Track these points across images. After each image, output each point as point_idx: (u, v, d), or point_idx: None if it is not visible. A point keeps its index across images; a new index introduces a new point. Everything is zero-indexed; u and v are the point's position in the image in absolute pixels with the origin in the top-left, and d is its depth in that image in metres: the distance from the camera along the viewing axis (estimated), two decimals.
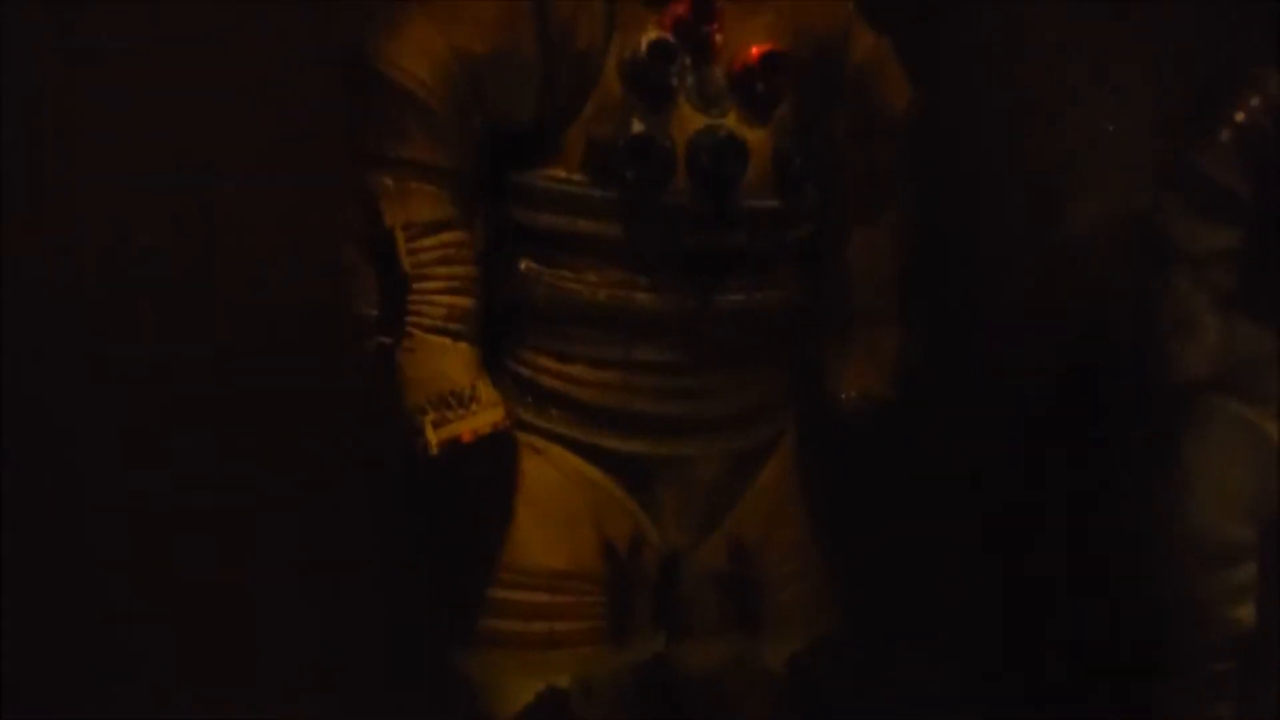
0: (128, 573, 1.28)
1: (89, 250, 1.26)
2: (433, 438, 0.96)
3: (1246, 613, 1.30)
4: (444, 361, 0.96)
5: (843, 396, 1.12)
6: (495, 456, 0.99)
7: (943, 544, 1.38)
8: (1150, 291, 1.37)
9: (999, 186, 1.45)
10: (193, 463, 1.28)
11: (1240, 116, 1.35)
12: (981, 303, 1.42)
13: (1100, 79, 1.50)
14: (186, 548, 1.28)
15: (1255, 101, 1.35)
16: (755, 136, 0.99)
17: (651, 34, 0.96)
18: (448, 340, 0.97)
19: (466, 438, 0.96)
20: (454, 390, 0.96)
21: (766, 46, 0.98)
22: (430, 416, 0.96)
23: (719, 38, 0.98)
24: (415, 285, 0.96)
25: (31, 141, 1.24)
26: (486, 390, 0.98)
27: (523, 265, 1.00)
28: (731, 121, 0.98)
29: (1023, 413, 1.42)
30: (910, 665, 1.35)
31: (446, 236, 0.97)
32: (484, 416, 0.97)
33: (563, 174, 0.98)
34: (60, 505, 1.27)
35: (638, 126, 0.96)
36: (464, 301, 0.97)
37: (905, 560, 1.36)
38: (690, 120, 0.97)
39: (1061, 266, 1.46)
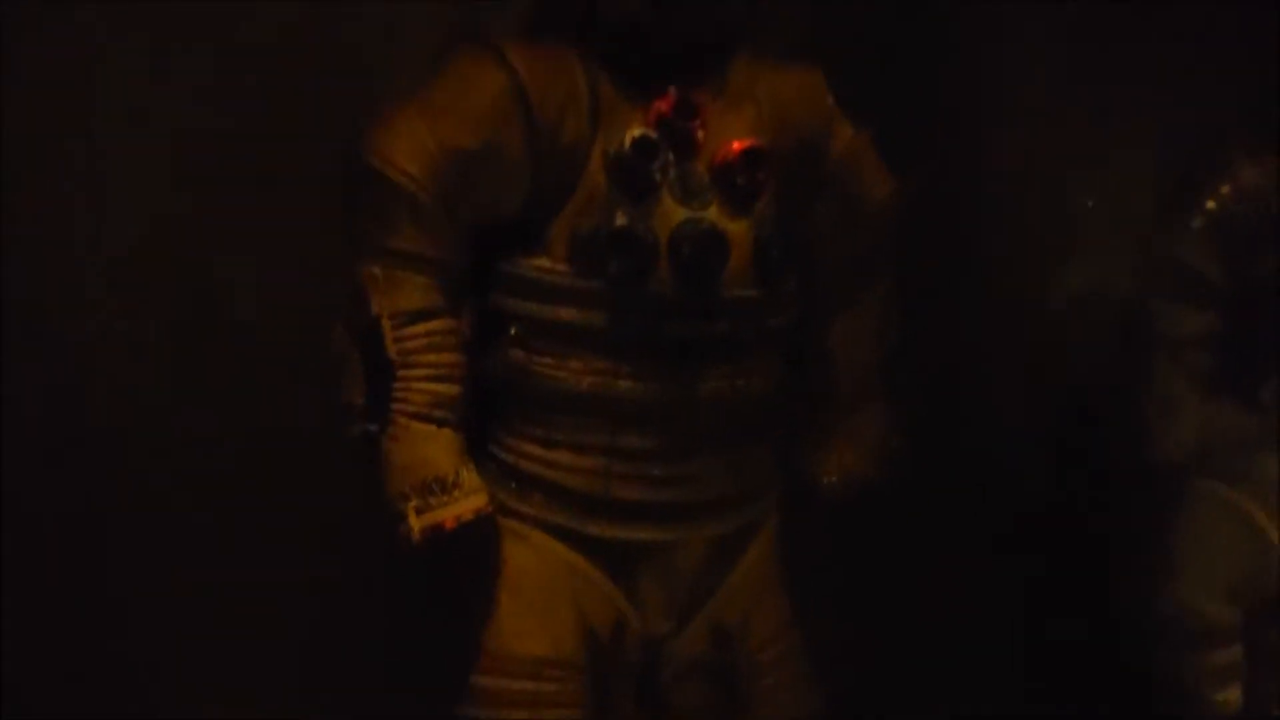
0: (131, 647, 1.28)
1: (90, 324, 1.28)
2: (415, 524, 0.96)
3: (1233, 696, 1.30)
4: (428, 448, 0.98)
5: (825, 480, 1.13)
6: (478, 542, 1.00)
7: (927, 627, 1.38)
8: (1131, 374, 1.39)
9: (981, 267, 1.48)
10: (183, 541, 1.28)
11: (1212, 204, 1.38)
12: (964, 384, 1.44)
13: (1083, 161, 1.54)
14: (172, 630, 1.28)
15: (1226, 189, 1.38)
16: (736, 228, 1.01)
17: (635, 130, 0.98)
18: (432, 427, 0.98)
19: (449, 524, 0.97)
20: (437, 477, 0.97)
21: (747, 142, 1.01)
22: (413, 503, 0.97)
23: (701, 133, 1.01)
24: (400, 373, 0.98)
25: (29, 212, 1.26)
26: (470, 476, 0.99)
27: (507, 352, 1.02)
28: (713, 214, 1.00)
29: (1006, 494, 1.43)
30: None
31: (432, 325, 0.99)
32: (467, 503, 0.98)
33: (548, 264, 1.00)
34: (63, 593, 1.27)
35: (621, 219, 0.98)
36: (449, 389, 0.99)
37: (889, 643, 1.36)
38: (673, 213, 0.99)
39: (1044, 348, 1.48)
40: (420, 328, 0.98)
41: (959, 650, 1.38)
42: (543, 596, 1.02)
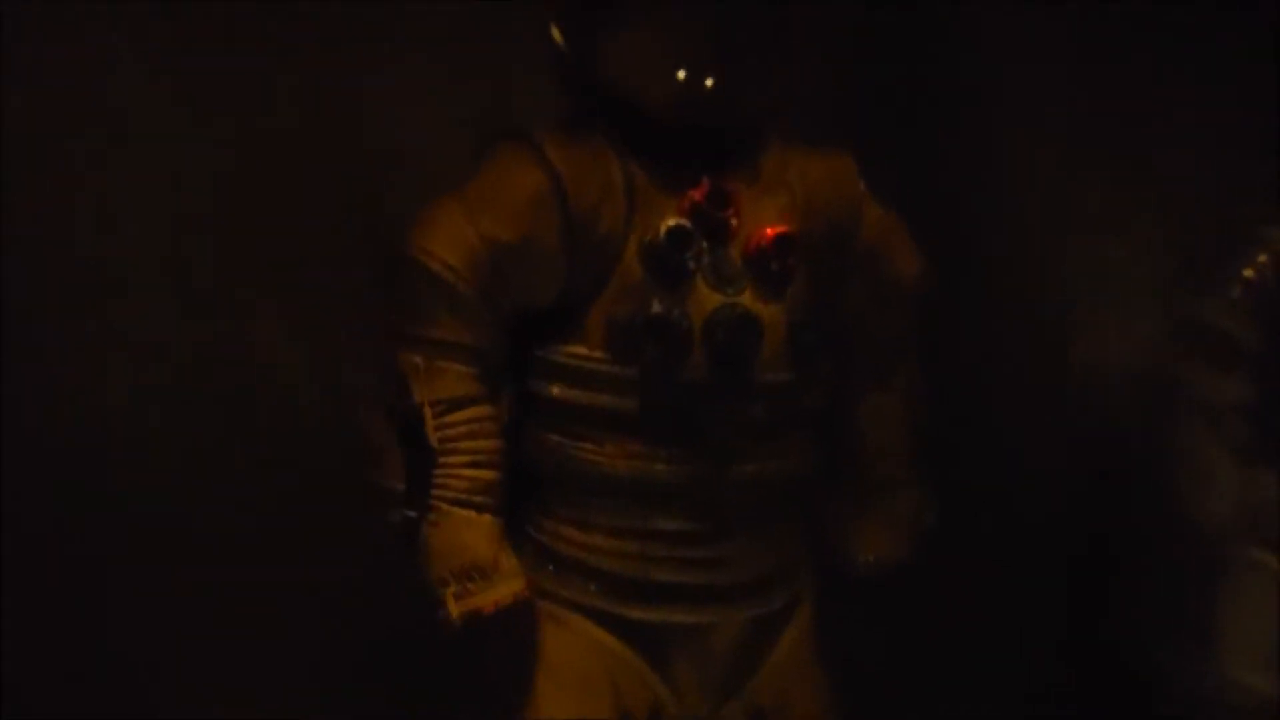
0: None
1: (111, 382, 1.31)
2: (454, 609, 0.98)
3: None
4: (467, 534, 0.99)
5: (860, 560, 1.13)
6: (516, 627, 1.01)
7: (968, 702, 1.37)
8: (1167, 443, 1.38)
9: (1009, 338, 1.48)
10: (203, 621, 1.30)
11: (1250, 273, 1.38)
12: (995, 455, 1.44)
13: (1107, 232, 1.55)
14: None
15: (1264, 259, 1.38)
16: (770, 313, 1.03)
17: (670, 220, 1.00)
18: (472, 513, 1.00)
19: (488, 610, 0.98)
20: (476, 563, 0.99)
21: (780, 228, 1.03)
22: (452, 589, 0.98)
23: (734, 221, 1.03)
24: (441, 460, 0.99)
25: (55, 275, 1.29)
26: (508, 561, 1.00)
27: (545, 437, 1.04)
28: (747, 299, 1.02)
29: (1043, 567, 1.42)
30: None
31: (472, 412, 1.00)
32: (505, 588, 0.99)
33: (584, 351, 1.02)
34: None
35: (656, 307, 1.00)
36: (488, 474, 1.01)
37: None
38: (707, 299, 1.01)
39: (1077, 418, 1.48)
40: (460, 415, 1.00)
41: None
42: (580, 680, 1.02)
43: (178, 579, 1.29)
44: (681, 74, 1.00)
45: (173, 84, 1.31)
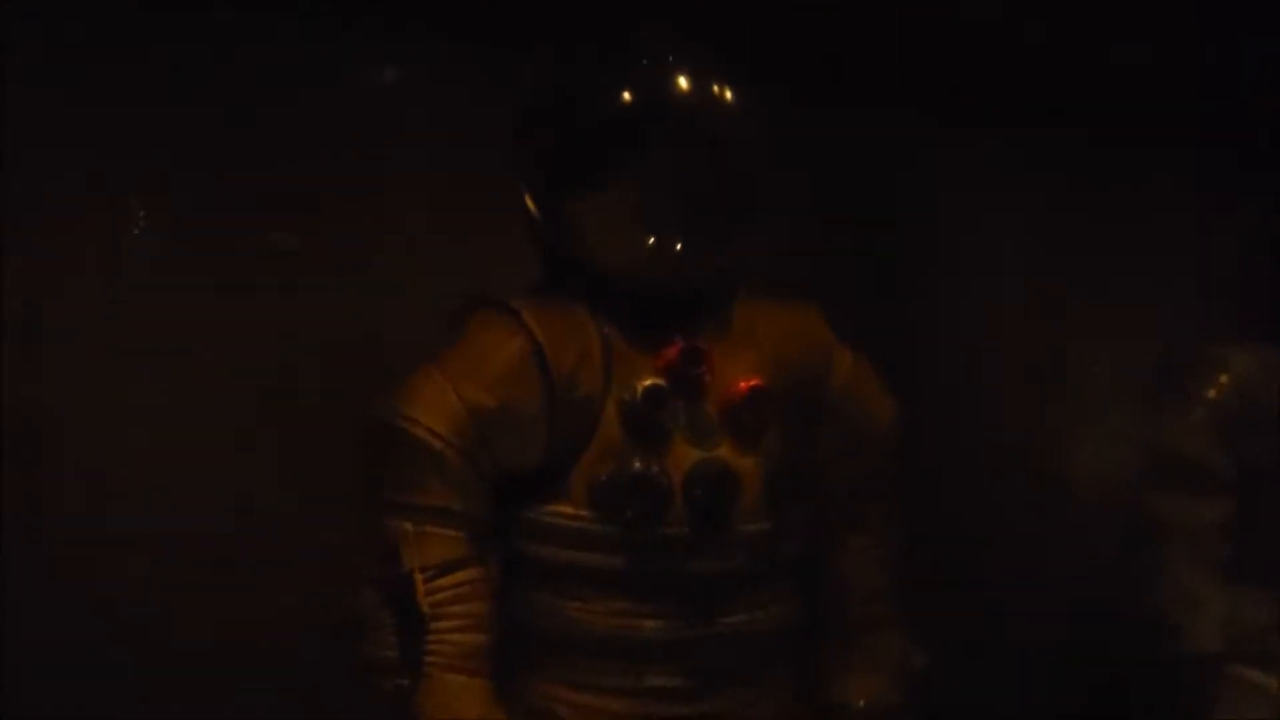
0: None
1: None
2: None
3: None
4: (461, 700, 1.00)
5: (851, 706, 1.13)
6: None
7: None
8: (1147, 569, 1.40)
9: (984, 471, 1.51)
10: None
11: (1212, 394, 1.43)
12: (983, 595, 1.45)
13: (1068, 359, 1.60)
14: None
15: (1224, 379, 1.43)
16: (746, 464, 1.06)
17: (646, 380, 1.04)
18: (464, 678, 1.01)
19: None
20: None
21: (752, 382, 1.07)
22: None
23: (708, 377, 1.06)
24: (432, 625, 1.01)
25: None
26: None
27: (533, 597, 1.05)
28: (724, 453, 1.05)
29: (1037, 701, 1.42)
30: None
31: (461, 575, 1.02)
32: None
33: (569, 510, 1.04)
34: None
35: (637, 466, 1.03)
36: (479, 638, 1.02)
37: None
38: (685, 455, 1.04)
39: (1058, 550, 1.50)
40: (450, 579, 1.02)
41: None
42: None
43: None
44: (648, 239, 1.05)
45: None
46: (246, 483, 1.36)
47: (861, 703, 1.13)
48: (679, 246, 1.06)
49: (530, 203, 1.10)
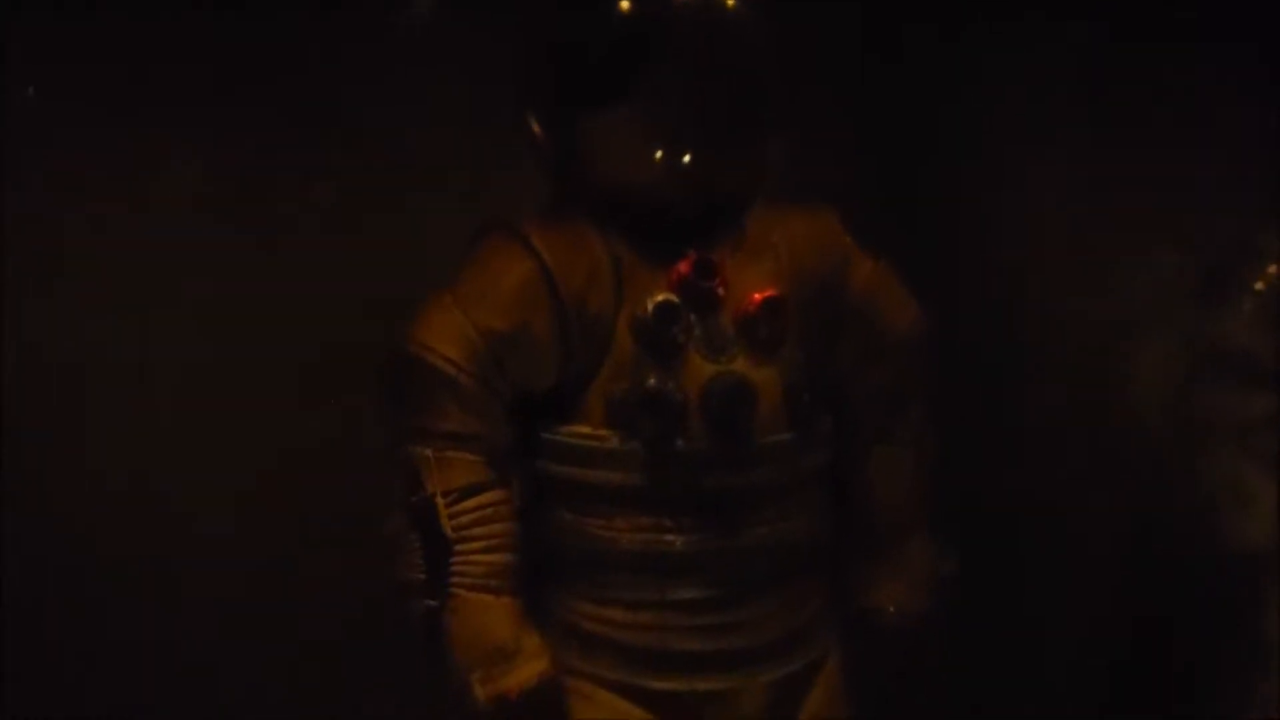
0: None
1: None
2: (481, 694, 1.00)
3: None
4: (487, 619, 1.02)
5: (879, 614, 1.13)
6: (544, 706, 1.03)
7: None
8: (1197, 467, 1.37)
9: (1026, 373, 1.48)
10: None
11: (1260, 285, 1.37)
12: (1024, 497, 1.43)
13: (1123, 260, 1.54)
14: None
15: (1273, 269, 1.37)
16: (763, 376, 1.05)
17: (657, 296, 1.03)
18: (490, 597, 1.02)
19: (514, 693, 1.00)
20: (498, 646, 1.01)
21: (767, 292, 1.05)
22: (477, 675, 1.00)
23: (721, 290, 1.05)
24: (457, 547, 1.02)
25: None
26: (530, 642, 1.02)
27: (557, 516, 1.06)
28: (740, 366, 1.04)
29: (1080, 606, 1.40)
30: None
31: (484, 498, 1.03)
32: (529, 669, 1.01)
33: (587, 430, 1.04)
34: None
35: (650, 382, 1.02)
36: (504, 558, 1.03)
37: None
38: (700, 369, 1.04)
39: (1105, 452, 1.46)
40: (472, 502, 1.03)
41: None
42: None
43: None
44: (659, 154, 1.03)
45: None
46: (281, 435, 1.37)
47: (891, 609, 1.13)
48: (690, 160, 1.03)
49: (534, 123, 1.09)
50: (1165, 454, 1.41)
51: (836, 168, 1.43)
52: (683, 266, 1.04)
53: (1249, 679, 1.28)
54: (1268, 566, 1.34)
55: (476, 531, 1.03)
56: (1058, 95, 1.58)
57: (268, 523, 1.38)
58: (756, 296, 1.05)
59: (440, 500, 1.02)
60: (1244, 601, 1.33)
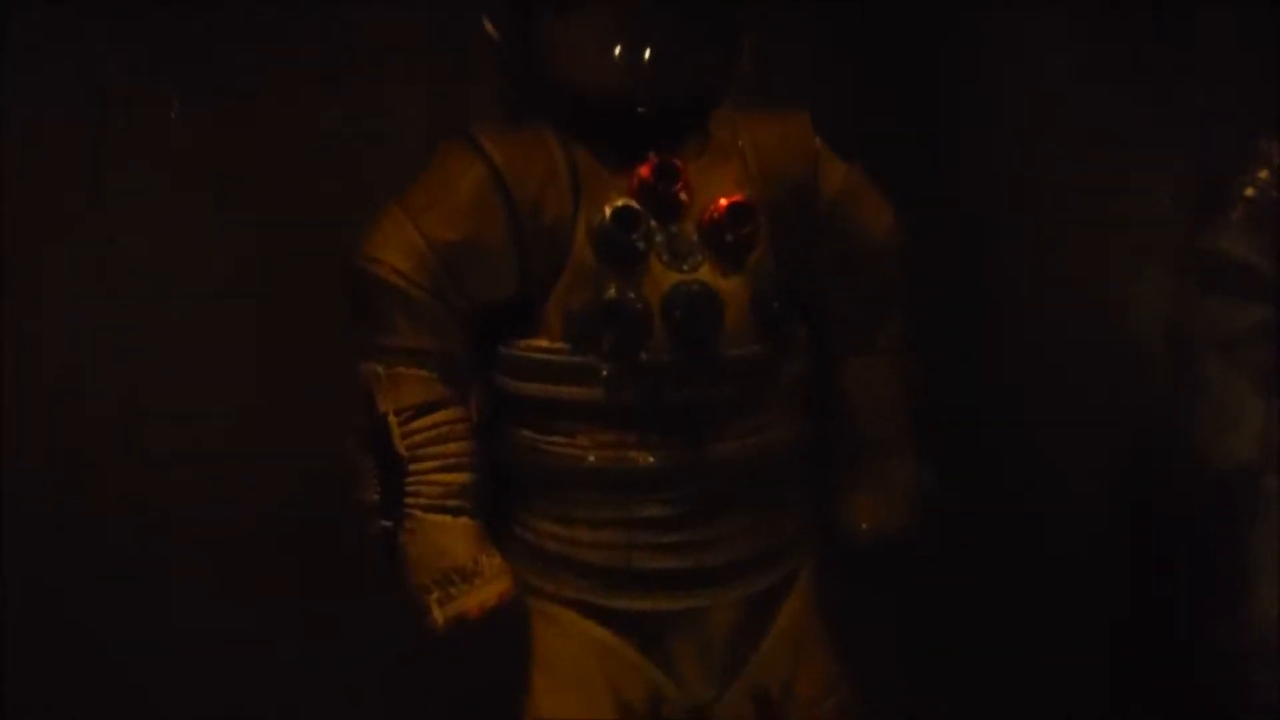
0: None
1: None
2: (439, 615, 0.97)
3: None
4: (445, 539, 0.98)
5: (856, 531, 1.10)
6: (506, 627, 1.00)
7: (984, 671, 1.33)
8: (1184, 381, 1.33)
9: (1008, 286, 1.44)
10: (198, 643, 1.31)
11: (1250, 191, 1.32)
12: (1002, 415, 1.40)
13: (1120, 178, 1.49)
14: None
15: (1264, 175, 1.32)
16: (730, 285, 1.00)
17: (616, 201, 0.99)
18: (447, 518, 0.99)
19: (474, 613, 0.97)
20: (456, 567, 0.98)
21: (734, 198, 1.00)
22: (435, 595, 0.97)
23: (684, 195, 1.00)
24: (411, 467, 0.99)
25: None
26: (490, 563, 0.99)
27: (516, 434, 1.03)
28: (704, 275, 1.00)
29: (1059, 527, 1.38)
30: None
31: (438, 416, 1.00)
32: (489, 589, 0.98)
33: (546, 344, 1.00)
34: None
35: (610, 292, 0.98)
36: (461, 477, 1.00)
37: (945, 693, 1.31)
38: (663, 278, 0.99)
39: (1089, 366, 1.43)
40: (426, 420, 0.99)
41: (1021, 692, 1.32)
42: (576, 675, 1.01)
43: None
44: (618, 52, 0.98)
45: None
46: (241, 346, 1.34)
47: (865, 526, 1.10)
48: (651, 59, 0.98)
49: (490, 27, 1.04)
50: (1156, 371, 1.38)
51: (818, 74, 1.37)
52: (643, 170, 0.99)
53: (1237, 601, 1.26)
54: (1250, 483, 1.31)
55: (431, 451, 0.99)
56: (1055, 6, 1.52)
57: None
58: (722, 201, 1.00)
59: (393, 419, 0.99)
60: (1232, 521, 1.30)
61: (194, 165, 1.32)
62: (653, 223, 0.99)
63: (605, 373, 0.98)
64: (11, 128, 1.26)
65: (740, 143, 1.04)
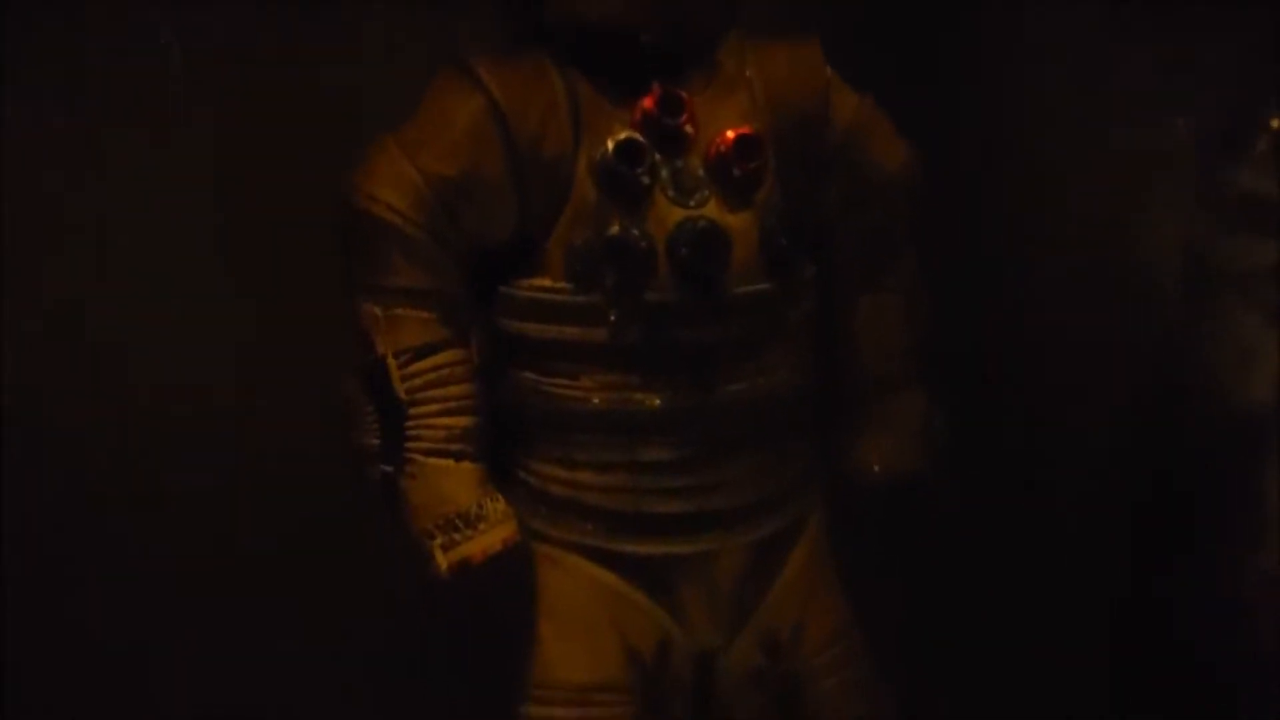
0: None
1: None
2: (442, 561, 0.95)
3: None
4: (447, 484, 0.96)
5: (867, 472, 1.08)
6: (511, 572, 0.98)
7: (1000, 618, 1.32)
8: (1201, 319, 1.30)
9: (1022, 225, 1.40)
10: (200, 591, 1.29)
11: (1276, 122, 1.29)
12: (1017, 357, 1.37)
13: (1132, 101, 1.45)
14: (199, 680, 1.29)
15: None
16: (738, 221, 0.97)
17: (619, 134, 0.95)
18: (449, 462, 0.96)
19: (478, 559, 0.95)
20: (459, 512, 0.96)
21: (741, 130, 0.97)
22: (438, 541, 0.95)
23: (689, 128, 0.97)
24: (411, 411, 0.96)
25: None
26: (495, 507, 0.97)
27: (519, 376, 1.00)
28: (711, 210, 0.96)
29: (1078, 468, 1.35)
30: None
31: (439, 358, 0.97)
32: (494, 534, 0.96)
33: (548, 283, 0.97)
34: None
35: (613, 229, 0.95)
36: (462, 421, 0.97)
37: (960, 638, 1.30)
38: (668, 214, 0.96)
39: (1104, 305, 1.40)
40: (426, 363, 0.96)
41: (1033, 641, 1.30)
42: (582, 621, 0.99)
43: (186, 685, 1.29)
44: None
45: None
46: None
47: (877, 468, 1.07)
48: None
49: None
50: (1172, 309, 1.35)
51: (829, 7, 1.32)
52: (647, 102, 0.96)
53: (1247, 548, 1.24)
54: (1268, 424, 1.28)
55: (432, 394, 0.96)
56: None
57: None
58: (729, 134, 0.96)
59: (392, 361, 0.96)
60: (1248, 462, 1.28)
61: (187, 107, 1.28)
62: (657, 156, 0.96)
63: (609, 312, 0.96)
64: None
65: (748, 73, 1.00)
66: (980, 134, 1.40)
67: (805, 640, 1.02)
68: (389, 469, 0.97)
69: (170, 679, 1.30)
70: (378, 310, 0.96)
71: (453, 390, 0.97)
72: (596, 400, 0.97)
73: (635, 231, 0.95)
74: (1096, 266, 1.42)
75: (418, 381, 0.96)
